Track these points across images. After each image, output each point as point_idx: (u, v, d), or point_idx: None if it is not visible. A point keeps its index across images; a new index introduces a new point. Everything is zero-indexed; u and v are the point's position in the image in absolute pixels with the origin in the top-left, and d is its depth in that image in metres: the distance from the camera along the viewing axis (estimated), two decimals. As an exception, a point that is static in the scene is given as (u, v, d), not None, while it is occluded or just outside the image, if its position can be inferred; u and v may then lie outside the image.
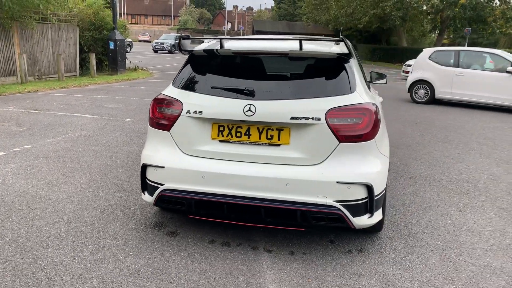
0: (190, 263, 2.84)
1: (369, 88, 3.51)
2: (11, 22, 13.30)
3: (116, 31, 16.48)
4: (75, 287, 2.52)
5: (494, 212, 3.85)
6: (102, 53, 17.11)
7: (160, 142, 3.06)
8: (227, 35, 61.88)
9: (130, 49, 32.68)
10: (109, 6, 17.34)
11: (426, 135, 7.13)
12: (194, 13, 71.64)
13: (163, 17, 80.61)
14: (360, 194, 2.77)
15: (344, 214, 2.76)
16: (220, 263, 2.84)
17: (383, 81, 5.18)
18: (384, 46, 36.35)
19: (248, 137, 2.87)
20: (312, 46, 3.05)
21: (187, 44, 3.26)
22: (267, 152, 2.84)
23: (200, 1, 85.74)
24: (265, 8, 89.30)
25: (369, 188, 2.77)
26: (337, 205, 2.74)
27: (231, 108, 2.84)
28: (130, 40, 33.70)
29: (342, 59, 2.99)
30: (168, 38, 33.93)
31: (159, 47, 32.16)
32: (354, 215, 2.79)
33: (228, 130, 2.90)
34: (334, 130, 2.74)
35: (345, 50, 2.94)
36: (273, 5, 66.45)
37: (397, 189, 4.37)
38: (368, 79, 5.10)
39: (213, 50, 3.13)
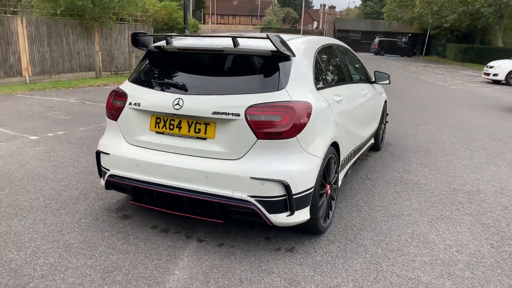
0: (120, 244, 3.07)
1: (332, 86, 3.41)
2: (92, 22, 14.72)
3: (186, 30, 17.41)
4: (11, 252, 2.89)
5: (470, 227, 3.53)
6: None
7: (111, 131, 3.33)
8: (312, 34, 61.58)
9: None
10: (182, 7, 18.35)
11: (461, 142, 6.58)
12: (280, 13, 72.32)
13: (250, 17, 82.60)
14: (275, 191, 2.76)
15: (259, 209, 2.78)
16: (146, 247, 3.03)
17: (386, 81, 4.99)
18: (477, 46, 33.41)
19: (179, 130, 3.01)
20: (250, 43, 3.08)
21: (147, 40, 3.48)
22: (194, 145, 2.95)
23: (288, 0, 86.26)
24: (355, 7, 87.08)
25: (286, 186, 2.76)
26: (252, 200, 2.77)
27: (163, 101, 3.01)
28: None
29: (278, 56, 2.98)
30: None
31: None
32: (271, 212, 2.80)
33: (163, 122, 3.07)
34: (253, 127, 2.77)
35: (281, 48, 2.91)
36: (360, 3, 64.57)
37: (378, 194, 4.18)
38: (373, 79, 4.94)
39: (161, 46, 3.31)
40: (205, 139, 2.93)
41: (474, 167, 5.24)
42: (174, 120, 3.02)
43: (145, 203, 3.21)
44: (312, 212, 3.01)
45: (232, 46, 3.02)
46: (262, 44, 3.04)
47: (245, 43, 3.07)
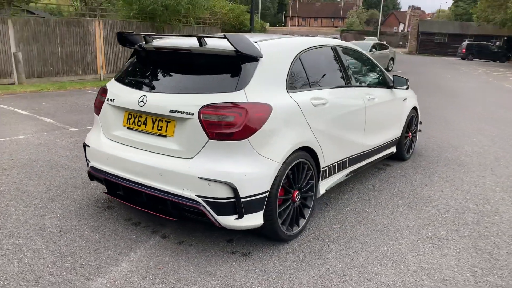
0: (88, 232, 3.24)
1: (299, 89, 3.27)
2: (163, 25, 15.60)
3: (252, 33, 17.69)
4: (-7, 230, 3.19)
5: (459, 251, 3.15)
6: (239, 52, 18.54)
7: (95, 126, 3.53)
8: (395, 36, 58.91)
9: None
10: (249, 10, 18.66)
11: (510, 157, 5.88)
12: (363, 15, 70.24)
13: (332, 19, 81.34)
14: (222, 193, 2.73)
15: (206, 210, 2.76)
16: (110, 238, 3.16)
17: (404, 87, 4.67)
18: None
19: (145, 127, 3.10)
20: (218, 43, 3.06)
21: (135, 39, 3.61)
22: (156, 142, 3.02)
23: (373, 2, 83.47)
24: (448, 8, 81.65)
25: (234, 189, 2.71)
26: (199, 200, 2.76)
27: (130, 98, 3.12)
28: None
29: (243, 57, 2.93)
30: (321, 39, 34.31)
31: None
32: (218, 214, 2.77)
33: (134, 118, 3.18)
34: (205, 126, 2.76)
35: (242, 49, 2.86)
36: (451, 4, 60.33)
37: (375, 207, 3.90)
38: (391, 83, 4.67)
39: (141, 45, 3.42)
40: (165, 136, 2.98)
41: (507, 186, 4.66)
42: (141, 117, 3.11)
43: (115, 196, 3.34)
44: (268, 217, 2.91)
45: (198, 46, 3.03)
46: (229, 44, 3.00)
47: (213, 43, 3.06)
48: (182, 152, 2.88)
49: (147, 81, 3.20)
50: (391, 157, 5.36)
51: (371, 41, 21.14)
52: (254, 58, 2.97)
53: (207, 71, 3.07)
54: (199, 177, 2.75)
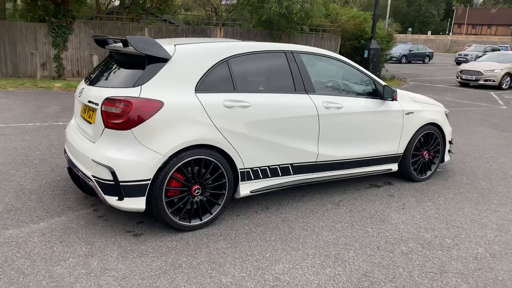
0: (29, 193, 3.99)
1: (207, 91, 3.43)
2: (280, 33, 16.34)
3: (373, 40, 17.08)
4: (-9, 185, 4.21)
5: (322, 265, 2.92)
6: (359, 61, 18.10)
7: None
8: None
9: (429, 60, 31.76)
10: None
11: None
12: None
13: (511, 27, 71.02)
14: (105, 175, 3.15)
15: (97, 188, 3.23)
16: (45, 202, 3.85)
17: (389, 97, 4.34)
18: None
19: (85, 114, 3.71)
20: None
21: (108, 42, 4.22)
22: (87, 128, 3.60)
23: None
24: None
25: (113, 173, 3.11)
26: (93, 179, 3.24)
27: (78, 90, 3.76)
28: (431, 51, 32.67)
29: (151, 57, 3.29)
30: (476, 49, 30.69)
31: (462, 59, 29.66)
32: (105, 193, 3.20)
33: (83, 108, 3.82)
34: (103, 116, 3.23)
35: (143, 50, 3.22)
36: None
37: (309, 221, 3.78)
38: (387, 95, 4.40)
39: (105, 47, 4.03)
40: (90, 123, 3.53)
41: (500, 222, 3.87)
42: (85, 107, 3.73)
43: (70, 175, 3.99)
44: (153, 204, 3.20)
45: (122, 46, 3.49)
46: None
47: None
48: (92, 137, 3.38)
49: (93, 76, 3.79)
50: (399, 176, 4.91)
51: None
52: (162, 59, 3.29)
53: (125, 69, 3.50)
54: (92, 159, 3.22)
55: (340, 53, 17.86)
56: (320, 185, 4.64)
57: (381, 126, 4.44)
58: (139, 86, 3.19)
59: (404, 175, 4.88)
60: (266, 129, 3.66)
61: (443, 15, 75.79)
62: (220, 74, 3.51)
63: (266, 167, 3.75)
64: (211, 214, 3.52)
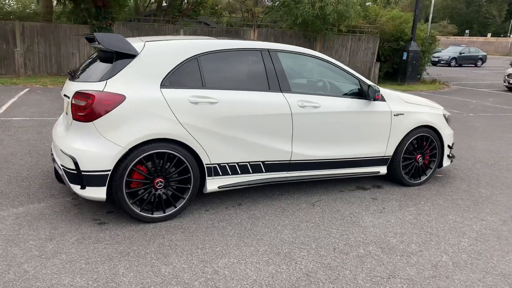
0: (15, 180, 4.27)
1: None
2: (315, 34, 16.22)
3: (412, 42, 16.52)
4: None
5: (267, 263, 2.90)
6: (399, 63, 17.55)
7: None
8: None
9: (482, 63, 30.12)
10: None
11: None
12: None
13: None
14: (69, 164, 3.34)
15: (64, 177, 3.42)
16: (24, 189, 4.12)
17: (371, 98, 4.23)
18: None
19: (66, 107, 3.93)
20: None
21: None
22: (65, 120, 3.82)
23: None
24: None
25: (75, 162, 3.29)
26: (61, 168, 3.45)
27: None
28: (485, 53, 30.95)
29: (119, 53, 3.44)
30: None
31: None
32: (71, 182, 3.39)
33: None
34: (72, 109, 3.42)
35: (110, 46, 3.38)
36: None
37: (277, 220, 3.76)
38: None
39: (91, 45, 4.24)
40: (67, 116, 3.74)
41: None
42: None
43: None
44: (114, 194, 3.34)
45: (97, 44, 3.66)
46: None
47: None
48: (66, 129, 3.58)
49: (76, 73, 3.99)
50: (391, 179, 4.75)
51: None
52: (129, 55, 3.43)
53: (100, 64, 3.67)
54: (60, 149, 3.41)
55: (379, 55, 17.41)
56: (301, 184, 4.59)
57: (365, 127, 4.31)
58: (105, 81, 3.34)
59: (394, 179, 4.71)
60: (234, 126, 3.68)
61: (505, 16, 71.32)
62: (189, 71, 3.59)
63: (235, 164, 3.78)
64: (175, 207, 3.60)
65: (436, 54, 29.13)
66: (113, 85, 3.33)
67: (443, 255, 3.21)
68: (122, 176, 3.33)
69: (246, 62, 3.90)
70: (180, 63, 3.56)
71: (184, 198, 3.62)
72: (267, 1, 22.29)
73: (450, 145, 4.94)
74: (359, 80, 4.34)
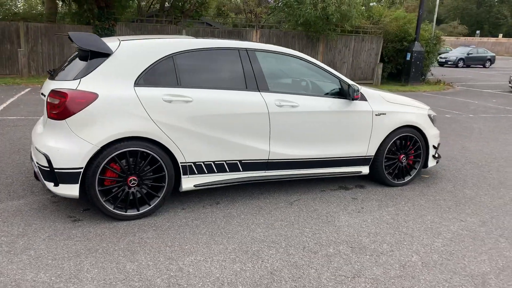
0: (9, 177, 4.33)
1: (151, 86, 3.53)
2: (318, 34, 16.16)
3: (416, 42, 16.41)
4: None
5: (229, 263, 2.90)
6: (402, 64, 17.42)
7: None
8: None
9: (490, 64, 29.78)
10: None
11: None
12: None
13: None
14: (43, 162, 3.38)
15: (39, 174, 3.47)
16: (9, 186, 4.17)
17: (349, 97, 4.21)
18: None
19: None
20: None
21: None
22: (43, 119, 3.86)
23: None
24: None
25: (48, 160, 3.33)
26: (37, 165, 3.49)
27: (45, 84, 4.05)
28: (493, 54, 30.59)
29: (94, 52, 3.47)
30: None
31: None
32: (45, 179, 3.43)
33: (49, 101, 4.09)
34: (47, 107, 3.46)
35: (85, 45, 3.42)
36: None
37: (251, 217, 3.77)
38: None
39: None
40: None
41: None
42: (48, 99, 3.99)
43: None
44: (88, 192, 3.37)
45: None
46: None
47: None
48: (43, 127, 3.63)
49: (56, 72, 4.04)
50: (374, 179, 4.73)
51: None
52: (104, 54, 3.46)
53: (76, 63, 3.70)
54: (35, 147, 3.46)
55: (382, 56, 17.31)
56: (282, 183, 4.59)
57: (346, 127, 4.29)
58: (79, 79, 3.38)
59: (377, 179, 4.68)
60: (209, 124, 3.69)
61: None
62: (164, 70, 3.61)
63: (211, 162, 3.79)
64: (150, 205, 3.62)
65: (443, 55, 28.89)
66: (87, 84, 3.36)
67: (413, 255, 3.18)
68: (94, 173, 3.36)
69: (223, 61, 3.90)
70: (155, 62, 3.58)
71: (159, 197, 3.64)
72: (271, 2, 22.28)
73: (436, 145, 4.89)
74: (340, 80, 4.32)
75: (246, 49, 3.97)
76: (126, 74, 3.48)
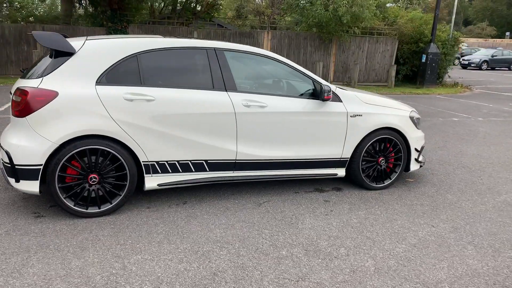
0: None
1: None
2: (330, 36, 16.00)
3: (432, 44, 16.04)
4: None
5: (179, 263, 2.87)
6: (418, 66, 17.05)
7: None
8: None
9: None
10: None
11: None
12: None
13: None
14: (5, 158, 3.45)
15: (2, 170, 3.54)
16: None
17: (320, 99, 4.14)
18: None
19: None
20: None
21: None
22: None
23: None
24: None
25: (9, 156, 3.40)
26: (1, 162, 3.57)
27: (18, 83, 4.13)
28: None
29: (58, 51, 3.53)
30: None
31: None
32: (8, 175, 3.51)
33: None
34: (12, 104, 3.54)
35: (47, 44, 3.47)
36: None
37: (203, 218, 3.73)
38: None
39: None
40: (17, 112, 3.86)
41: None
42: (22, 97, 4.08)
43: None
44: (49, 189, 3.42)
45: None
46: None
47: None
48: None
49: (27, 71, 4.12)
50: (352, 182, 4.63)
51: None
52: (67, 53, 3.51)
53: (44, 62, 3.74)
54: (0, 144, 3.54)
55: (397, 58, 16.98)
56: (255, 184, 4.55)
57: (318, 128, 4.21)
58: (41, 78, 3.43)
59: (355, 181, 4.57)
60: (173, 123, 3.69)
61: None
62: (127, 69, 3.63)
63: (175, 162, 3.78)
64: (111, 203, 3.64)
65: (466, 57, 28.13)
66: (48, 82, 3.41)
67: (369, 260, 3.08)
68: (54, 171, 3.40)
69: (190, 60, 3.89)
70: (118, 61, 3.60)
71: (121, 195, 3.66)
72: (282, 3, 22.24)
73: (418, 148, 4.73)
74: (313, 80, 4.24)
75: (214, 49, 3.95)
76: (88, 73, 3.52)
